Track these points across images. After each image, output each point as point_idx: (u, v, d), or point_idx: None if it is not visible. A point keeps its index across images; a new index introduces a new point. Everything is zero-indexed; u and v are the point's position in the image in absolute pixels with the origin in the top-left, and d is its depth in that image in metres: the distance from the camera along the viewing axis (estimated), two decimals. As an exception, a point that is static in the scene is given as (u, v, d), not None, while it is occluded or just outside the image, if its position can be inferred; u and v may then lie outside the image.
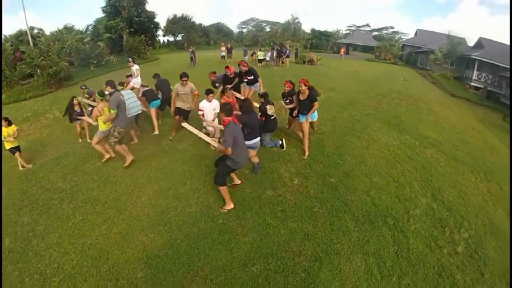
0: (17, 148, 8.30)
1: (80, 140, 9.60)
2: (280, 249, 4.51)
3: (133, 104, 7.89)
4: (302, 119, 7.11)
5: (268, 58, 23.11)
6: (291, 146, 7.59)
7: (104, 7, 34.63)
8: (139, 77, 11.89)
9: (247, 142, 5.63)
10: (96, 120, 7.37)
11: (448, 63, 33.08)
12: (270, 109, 6.84)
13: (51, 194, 6.39)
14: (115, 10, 34.00)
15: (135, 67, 12.24)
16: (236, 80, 9.10)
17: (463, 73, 31.42)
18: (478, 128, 14.19)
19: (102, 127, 7.21)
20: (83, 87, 11.15)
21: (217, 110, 7.37)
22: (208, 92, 7.43)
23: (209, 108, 7.41)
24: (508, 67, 25.22)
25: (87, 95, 9.75)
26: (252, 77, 9.00)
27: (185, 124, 6.80)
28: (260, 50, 25.55)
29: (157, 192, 6.02)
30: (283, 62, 23.23)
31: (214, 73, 9.58)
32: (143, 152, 7.82)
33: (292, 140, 7.85)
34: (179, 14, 58.15)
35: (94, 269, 4.36)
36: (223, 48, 25.90)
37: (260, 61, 23.18)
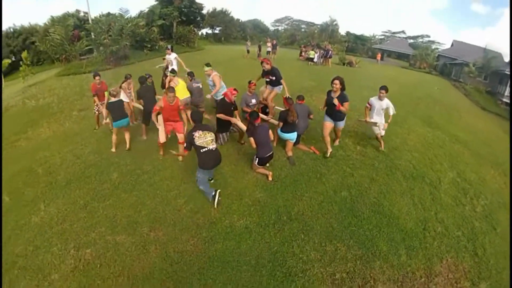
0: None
1: None
2: (356, 184, 6.54)
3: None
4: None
5: (316, 59, 25.04)
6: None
7: None
8: (175, 66, 11.94)
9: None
10: None
11: (481, 76, 33.94)
12: (199, 137, 5.39)
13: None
14: (168, 0, 36.32)
15: (173, 55, 12.15)
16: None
17: (496, 88, 32.22)
18: (503, 138, 15.70)
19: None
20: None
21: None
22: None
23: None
24: None
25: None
26: (274, 77, 8.54)
27: None
28: (312, 50, 27.29)
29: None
30: (327, 63, 25.17)
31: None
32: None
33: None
34: (218, 8, 59.91)
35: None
36: (269, 44, 27.40)
37: (310, 59, 25.06)
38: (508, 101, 29.76)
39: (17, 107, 13.59)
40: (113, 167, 7.09)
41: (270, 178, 6.28)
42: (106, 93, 8.94)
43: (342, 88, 6.84)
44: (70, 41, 23.40)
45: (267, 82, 8.74)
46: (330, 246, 4.84)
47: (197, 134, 5.32)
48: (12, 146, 9.41)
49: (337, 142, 8.08)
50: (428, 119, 12.20)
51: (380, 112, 7.74)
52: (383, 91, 7.50)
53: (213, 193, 5.54)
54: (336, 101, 6.71)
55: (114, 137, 7.78)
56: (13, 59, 27.04)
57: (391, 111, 7.68)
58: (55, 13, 39.85)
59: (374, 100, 7.79)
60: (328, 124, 7.32)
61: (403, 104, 14.06)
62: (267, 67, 8.38)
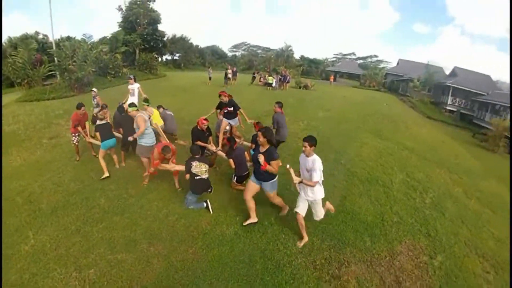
0: None
1: None
2: None
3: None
4: None
5: (274, 84, 26.73)
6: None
7: (121, 22, 37.89)
8: (136, 97, 11.55)
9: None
10: None
11: (426, 89, 37.50)
12: (196, 167, 6.49)
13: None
14: (131, 26, 37.22)
15: (136, 85, 11.65)
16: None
17: (439, 98, 35.62)
18: (447, 141, 17.76)
19: None
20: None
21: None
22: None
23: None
24: (478, 92, 30.68)
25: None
26: (232, 108, 8.62)
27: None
28: (270, 75, 29.19)
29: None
30: (285, 87, 27.05)
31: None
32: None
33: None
34: (178, 34, 61.32)
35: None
36: (229, 71, 28.16)
37: (269, 84, 26.74)
38: (452, 108, 33.13)
39: (-22, 133, 12.91)
40: (98, 193, 7.32)
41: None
42: (87, 123, 9.20)
43: (270, 142, 5.61)
44: (33, 65, 22.81)
45: (225, 114, 8.76)
46: (308, 241, 5.78)
47: (194, 163, 6.45)
48: (-20, 174, 9.02)
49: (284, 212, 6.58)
50: (378, 132, 13.88)
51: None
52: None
53: (205, 204, 6.54)
54: (261, 159, 5.41)
55: (102, 161, 8.08)
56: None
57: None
58: (11, 34, 38.41)
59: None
60: (252, 184, 6.02)
61: (354, 120, 15.75)
62: (225, 99, 8.63)
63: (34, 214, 6.65)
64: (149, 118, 7.87)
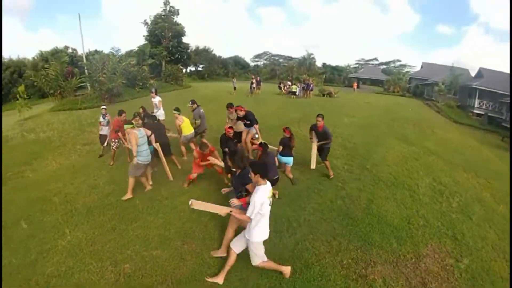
0: None
1: None
2: (348, 195, 7.88)
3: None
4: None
5: (298, 92, 27.10)
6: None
7: (147, 36, 40.07)
8: (161, 109, 12.16)
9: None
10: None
11: (451, 93, 36.46)
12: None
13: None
14: (157, 40, 39.20)
15: (157, 99, 12.13)
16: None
17: (466, 101, 34.43)
18: (474, 145, 17.39)
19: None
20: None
21: None
22: None
23: None
24: (506, 93, 28.60)
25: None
26: (248, 121, 9.00)
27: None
28: (293, 84, 29.65)
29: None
30: (308, 95, 27.28)
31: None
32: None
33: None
34: (201, 46, 62.96)
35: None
36: (253, 80, 28.80)
37: (292, 93, 27.10)
38: (479, 111, 32.03)
39: (17, 140, 13.89)
40: (133, 195, 7.58)
41: (277, 196, 7.49)
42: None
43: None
44: (64, 77, 24.25)
45: (245, 124, 9.17)
46: (335, 241, 6.01)
47: None
48: (19, 176, 9.69)
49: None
50: (403, 137, 13.88)
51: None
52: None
53: None
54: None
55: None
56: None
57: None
58: (42, 48, 41.10)
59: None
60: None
61: (379, 126, 15.80)
62: (241, 114, 8.87)
63: (70, 213, 7.05)
64: (151, 135, 8.01)
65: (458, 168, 11.09)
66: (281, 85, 31.74)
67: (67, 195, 7.99)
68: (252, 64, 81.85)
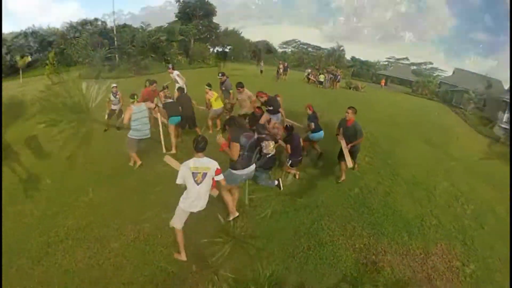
0: None
1: None
2: (366, 185, 8.10)
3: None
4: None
5: (325, 82, 27.11)
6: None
7: (178, 13, 40.05)
8: (181, 81, 11.95)
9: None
10: None
11: (481, 103, 35.52)
12: (266, 147, 6.69)
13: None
14: (187, 17, 39.21)
15: (176, 73, 12.11)
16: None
17: (495, 114, 33.47)
18: (496, 159, 17.11)
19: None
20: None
21: None
22: None
23: None
24: None
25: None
26: (271, 107, 8.41)
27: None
28: (321, 74, 29.54)
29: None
30: (335, 86, 27.27)
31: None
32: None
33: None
34: (230, 28, 62.72)
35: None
36: (281, 66, 28.59)
37: (320, 82, 27.15)
38: (507, 126, 31.10)
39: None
40: (158, 162, 7.79)
41: (297, 177, 7.77)
42: (156, 99, 9.52)
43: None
44: (94, 47, 25.07)
45: (268, 110, 8.60)
46: (349, 226, 6.29)
47: (265, 143, 6.69)
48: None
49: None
50: (427, 139, 13.83)
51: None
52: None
53: (276, 182, 7.07)
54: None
55: (173, 137, 8.57)
56: (30, 58, 28.58)
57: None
58: (71, 19, 41.58)
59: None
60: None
61: (404, 125, 15.78)
62: (263, 99, 8.51)
63: (94, 174, 7.43)
64: (154, 108, 8.28)
65: (477, 178, 11.04)
66: (310, 76, 31.13)
67: (92, 156, 8.46)
68: (280, 50, 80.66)
